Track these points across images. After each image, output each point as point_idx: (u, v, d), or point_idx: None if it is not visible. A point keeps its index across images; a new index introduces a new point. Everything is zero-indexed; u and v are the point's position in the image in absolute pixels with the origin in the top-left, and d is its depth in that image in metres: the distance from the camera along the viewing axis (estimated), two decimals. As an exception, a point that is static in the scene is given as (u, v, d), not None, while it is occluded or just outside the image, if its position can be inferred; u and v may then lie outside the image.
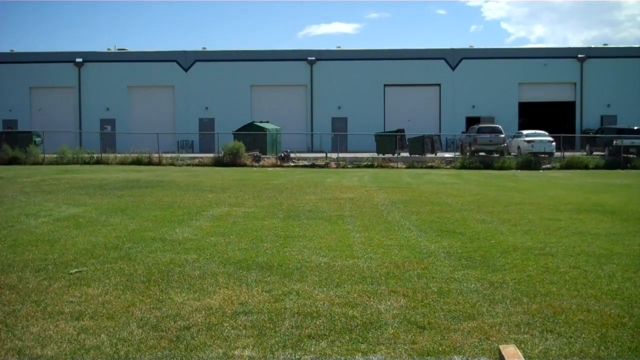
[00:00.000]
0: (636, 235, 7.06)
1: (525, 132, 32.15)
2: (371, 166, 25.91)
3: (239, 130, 30.95)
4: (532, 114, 42.91)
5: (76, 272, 5.02)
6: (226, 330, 3.56)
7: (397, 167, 25.86)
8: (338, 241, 6.55)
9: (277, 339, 3.42)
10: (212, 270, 5.10)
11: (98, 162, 26.81)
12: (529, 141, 29.74)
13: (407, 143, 31.23)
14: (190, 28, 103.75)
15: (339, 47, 41.85)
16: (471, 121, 39.13)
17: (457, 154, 30.51)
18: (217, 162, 26.22)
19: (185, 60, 41.66)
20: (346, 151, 31.35)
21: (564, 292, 4.45)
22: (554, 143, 29.72)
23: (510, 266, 5.33)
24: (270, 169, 24.03)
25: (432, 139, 31.83)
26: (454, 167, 26.01)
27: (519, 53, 42.68)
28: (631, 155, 27.58)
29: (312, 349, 3.27)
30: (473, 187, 14.74)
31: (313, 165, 25.34)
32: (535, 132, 31.45)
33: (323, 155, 28.60)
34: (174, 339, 3.40)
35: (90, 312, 3.91)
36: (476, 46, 42.70)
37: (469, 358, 3.16)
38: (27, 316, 3.81)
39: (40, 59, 41.55)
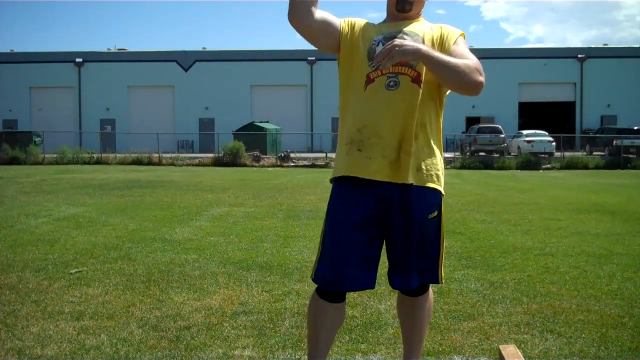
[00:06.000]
0: (636, 235, 7.06)
1: (525, 132, 32.11)
2: (371, 166, 25.88)
3: (239, 130, 30.92)
4: (532, 114, 42.88)
5: (76, 272, 5.02)
6: (226, 330, 3.56)
7: (397, 167, 25.86)
8: (338, 241, 6.53)
9: (277, 339, 3.42)
10: (212, 270, 5.10)
11: (98, 162, 26.82)
12: (529, 141, 29.71)
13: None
14: (190, 28, 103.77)
15: (339, 47, 41.84)
16: (471, 121, 39.11)
17: (457, 154, 30.48)
18: (217, 162, 26.23)
19: (185, 60, 41.61)
20: (346, 151, 31.33)
21: (564, 292, 4.45)
22: (554, 143, 29.69)
23: (510, 266, 5.33)
24: (270, 169, 24.04)
25: (432, 139, 31.80)
26: (454, 167, 26.01)
27: (518, 53, 42.65)
28: (631, 155, 27.57)
29: (312, 349, 3.26)
30: (473, 187, 14.75)
31: (313, 165, 25.34)
32: (535, 132, 31.42)
33: (323, 155, 28.62)
34: (174, 339, 3.40)
35: (90, 312, 3.91)
36: (476, 46, 42.62)
37: (469, 358, 3.16)
38: (27, 316, 3.81)
39: (40, 59, 41.50)
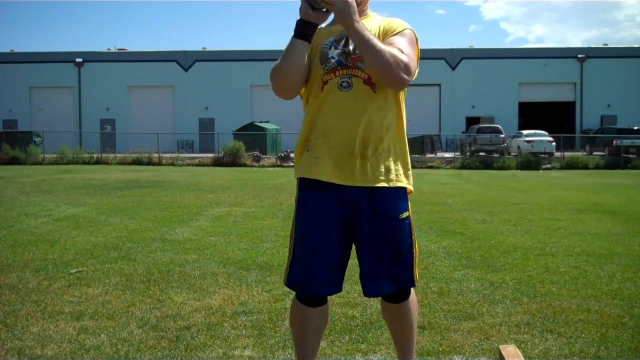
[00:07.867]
0: (636, 235, 7.06)
1: (525, 132, 32.13)
2: (371, 166, 25.88)
3: (239, 130, 30.91)
4: (532, 114, 42.86)
5: (76, 272, 5.02)
6: (226, 330, 3.56)
7: (397, 167, 25.86)
8: (338, 241, 6.53)
9: (277, 339, 3.42)
10: (212, 270, 5.10)
11: (98, 162, 26.82)
12: (529, 141, 29.73)
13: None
14: (190, 28, 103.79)
15: (339, 47, 41.78)
16: (471, 121, 39.07)
17: (457, 154, 30.49)
18: (217, 162, 26.23)
19: (185, 60, 41.57)
20: (346, 151, 31.31)
21: (564, 292, 4.45)
22: (554, 143, 29.71)
23: (510, 266, 5.33)
24: (270, 169, 24.05)
25: (432, 139, 31.80)
26: (454, 167, 26.02)
27: (518, 53, 42.61)
28: (631, 155, 27.58)
29: (312, 349, 3.26)
30: (473, 187, 14.75)
31: (313, 165, 25.33)
32: (535, 132, 31.43)
33: (323, 155, 28.56)
34: (174, 339, 3.40)
35: (90, 312, 3.91)
36: (476, 46, 42.65)
37: (469, 358, 3.16)
38: (27, 316, 3.81)
39: (40, 59, 41.47)
